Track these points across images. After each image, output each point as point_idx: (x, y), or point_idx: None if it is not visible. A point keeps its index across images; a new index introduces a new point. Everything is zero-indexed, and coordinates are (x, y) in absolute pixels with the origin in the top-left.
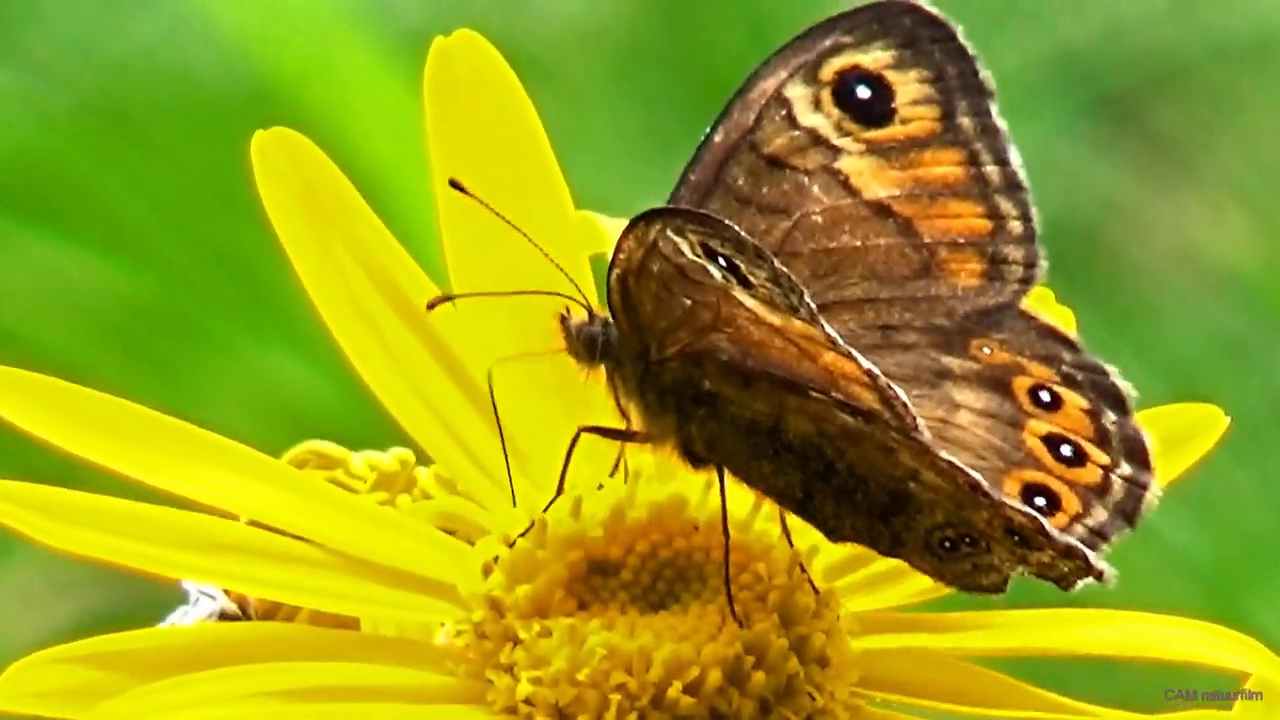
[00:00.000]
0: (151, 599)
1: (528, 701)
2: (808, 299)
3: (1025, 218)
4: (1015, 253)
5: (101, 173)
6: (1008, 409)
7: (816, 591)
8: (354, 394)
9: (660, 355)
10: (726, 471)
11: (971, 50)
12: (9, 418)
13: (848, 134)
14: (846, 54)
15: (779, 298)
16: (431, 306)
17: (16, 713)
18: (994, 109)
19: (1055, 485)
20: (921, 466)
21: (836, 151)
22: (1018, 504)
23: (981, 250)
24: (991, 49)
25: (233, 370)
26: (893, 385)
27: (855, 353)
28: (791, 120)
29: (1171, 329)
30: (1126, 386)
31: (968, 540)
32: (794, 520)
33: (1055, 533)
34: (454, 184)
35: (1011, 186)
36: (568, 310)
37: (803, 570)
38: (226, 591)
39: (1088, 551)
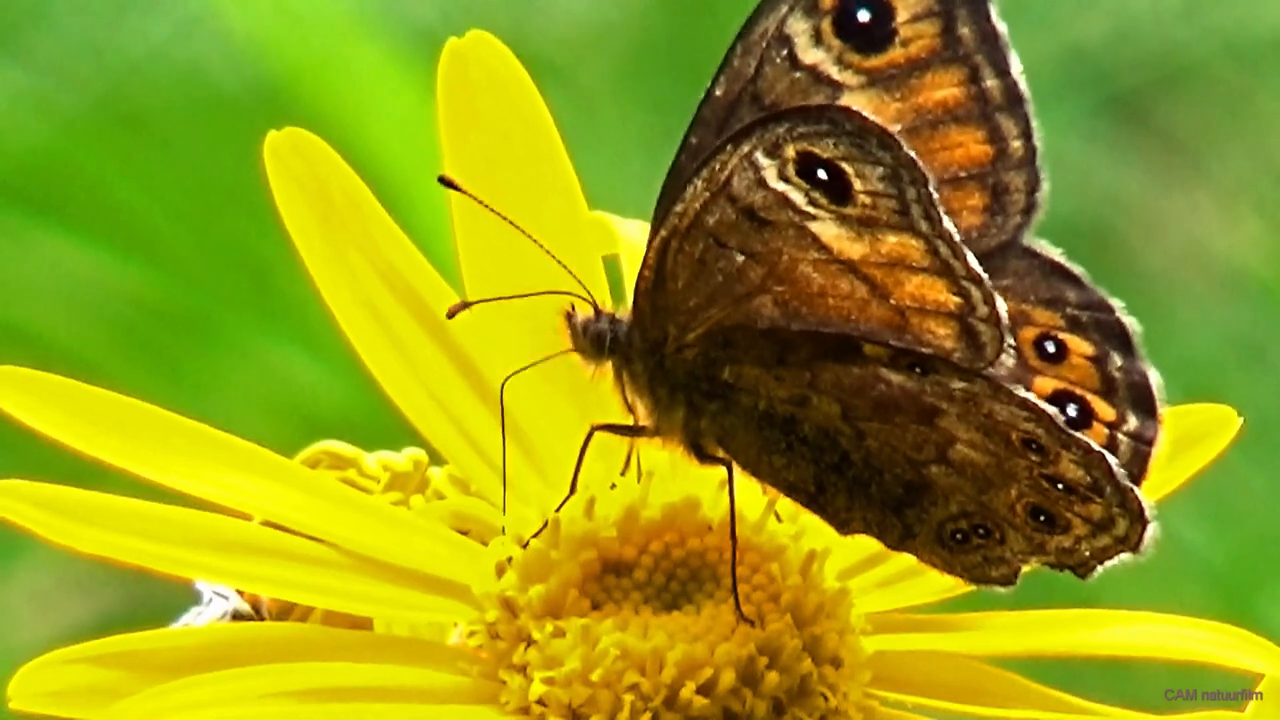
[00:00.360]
0: (164, 599)
1: (541, 702)
2: (932, 188)
3: (1026, 135)
4: (1017, 179)
5: (114, 172)
6: (1013, 365)
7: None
8: (367, 394)
9: (679, 342)
10: (736, 466)
11: None
12: (22, 417)
13: (848, 66)
14: None
15: (887, 202)
16: (451, 315)
17: (31, 712)
18: (993, 12)
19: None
20: (970, 429)
21: (838, 87)
22: (1089, 440)
23: (983, 182)
24: None
25: (245, 369)
26: (996, 301)
27: (969, 254)
28: (793, 60)
29: (1182, 329)
30: (1132, 323)
31: (981, 531)
32: (808, 519)
33: (1121, 477)
34: (444, 180)
35: (1013, 101)
36: (573, 307)
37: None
38: (240, 592)
39: (1145, 502)
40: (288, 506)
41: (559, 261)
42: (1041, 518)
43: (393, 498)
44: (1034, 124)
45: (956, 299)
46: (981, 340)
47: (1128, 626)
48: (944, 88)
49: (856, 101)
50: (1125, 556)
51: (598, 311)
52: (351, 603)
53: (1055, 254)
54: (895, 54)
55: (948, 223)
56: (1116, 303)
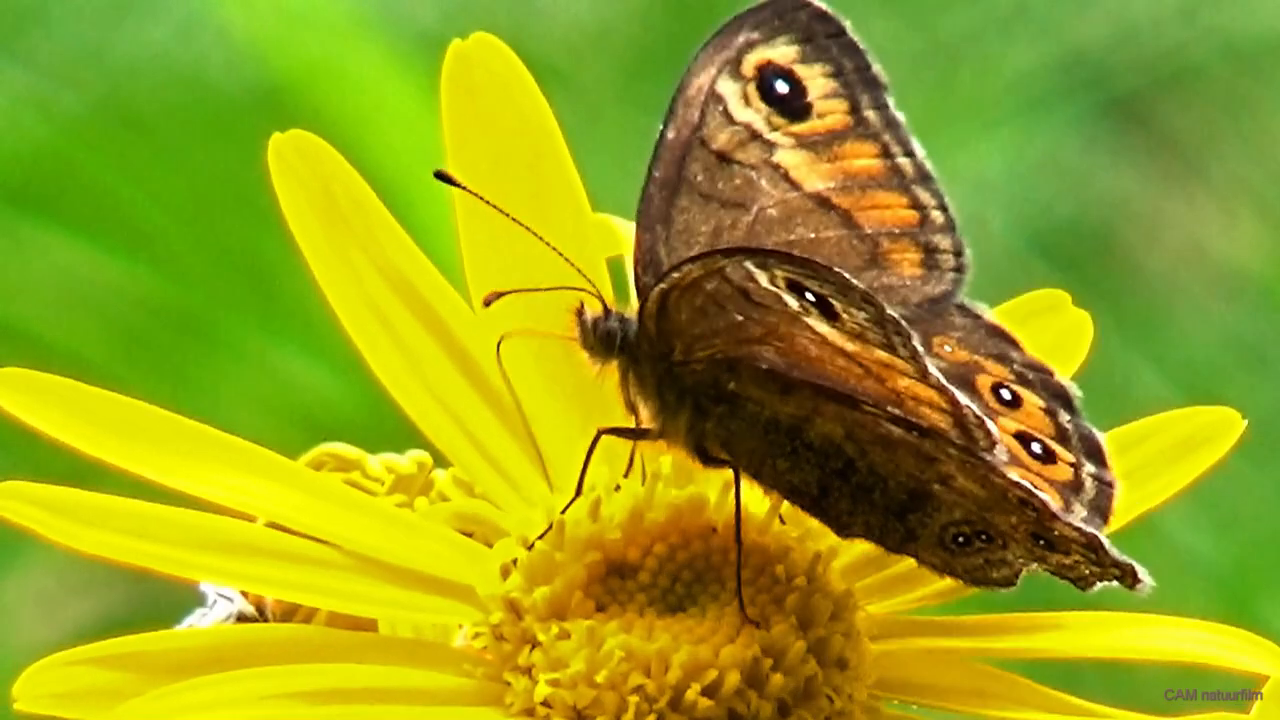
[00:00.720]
0: (170, 600)
1: (545, 704)
2: (915, 343)
3: (943, 207)
4: (943, 242)
5: (114, 173)
6: (978, 407)
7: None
8: (370, 395)
9: (686, 357)
10: (740, 468)
11: (862, 44)
12: (23, 417)
13: (777, 128)
14: (759, 49)
15: (874, 335)
16: (487, 304)
17: (35, 714)
18: (891, 101)
19: (1039, 484)
20: (969, 479)
21: (772, 146)
22: (1082, 525)
23: (915, 240)
24: (1003, 51)
25: (247, 370)
26: (983, 418)
27: (955, 392)
28: (729, 116)
29: (1183, 331)
30: (1072, 387)
31: (983, 536)
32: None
33: (1113, 550)
34: (440, 175)
35: (923, 177)
36: (582, 304)
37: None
38: (244, 593)
39: (1137, 566)
40: (291, 508)
41: (565, 258)
42: (1041, 542)
43: (397, 500)
44: (947, 199)
45: (947, 413)
46: (974, 435)
47: (1130, 629)
48: (863, 158)
49: (788, 158)
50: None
51: (607, 310)
52: (356, 604)
53: (994, 318)
54: (815, 124)
55: (929, 364)
56: (1053, 367)
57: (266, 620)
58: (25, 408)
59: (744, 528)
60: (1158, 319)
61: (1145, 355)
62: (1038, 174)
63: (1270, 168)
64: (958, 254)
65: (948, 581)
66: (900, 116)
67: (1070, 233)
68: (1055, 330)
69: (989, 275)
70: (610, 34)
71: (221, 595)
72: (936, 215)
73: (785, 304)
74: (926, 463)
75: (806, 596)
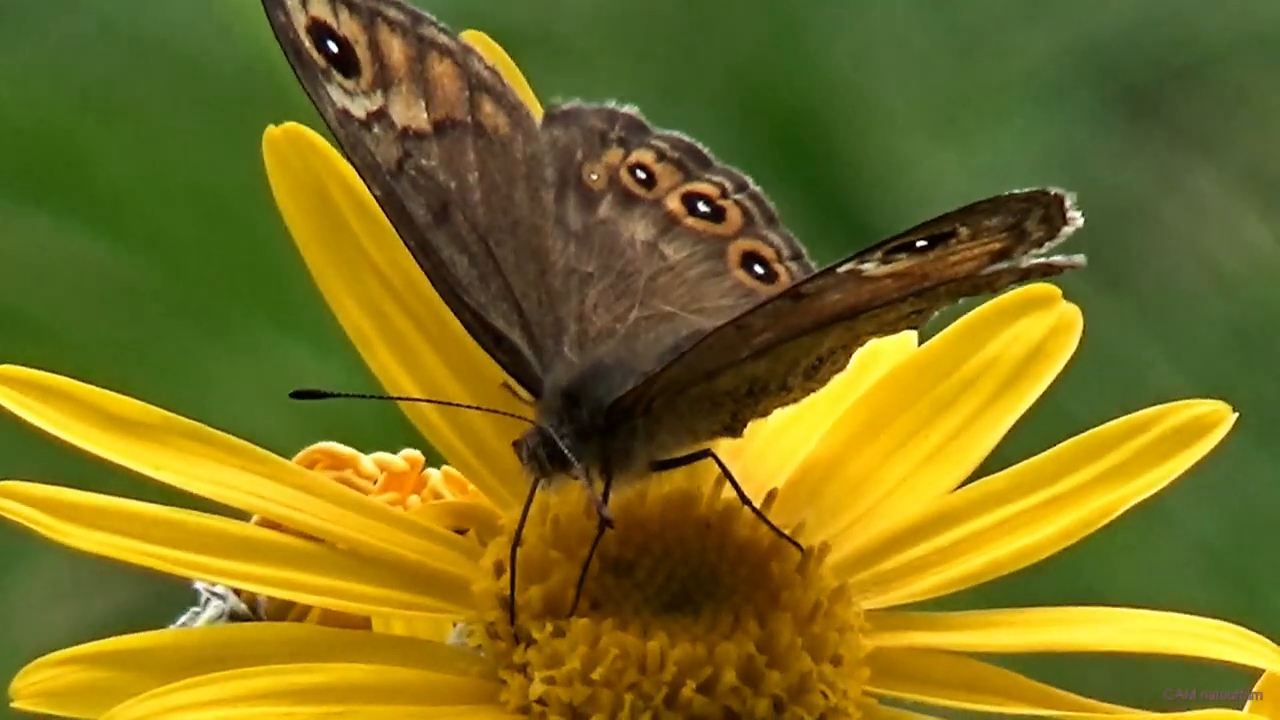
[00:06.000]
0: (183, 593)
1: (541, 701)
2: None
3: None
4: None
5: (120, 155)
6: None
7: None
8: (370, 386)
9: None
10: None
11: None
12: (25, 416)
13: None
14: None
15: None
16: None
17: (33, 711)
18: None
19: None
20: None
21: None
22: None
23: None
24: (1019, 42)
25: (250, 362)
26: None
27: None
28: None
29: (1192, 321)
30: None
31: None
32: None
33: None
34: (299, 394)
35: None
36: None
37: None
38: (237, 592)
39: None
40: (285, 505)
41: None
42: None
43: (390, 498)
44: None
45: None
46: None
47: (1125, 623)
48: None
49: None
50: None
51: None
52: (349, 602)
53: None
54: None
55: None
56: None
57: (260, 619)
58: (25, 406)
59: (734, 525)
60: (1167, 308)
61: (1156, 343)
62: (1051, 161)
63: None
64: None
65: (942, 578)
66: None
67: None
68: (1045, 326)
69: None
70: (621, 20)
71: (214, 594)
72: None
73: None
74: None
75: (800, 593)
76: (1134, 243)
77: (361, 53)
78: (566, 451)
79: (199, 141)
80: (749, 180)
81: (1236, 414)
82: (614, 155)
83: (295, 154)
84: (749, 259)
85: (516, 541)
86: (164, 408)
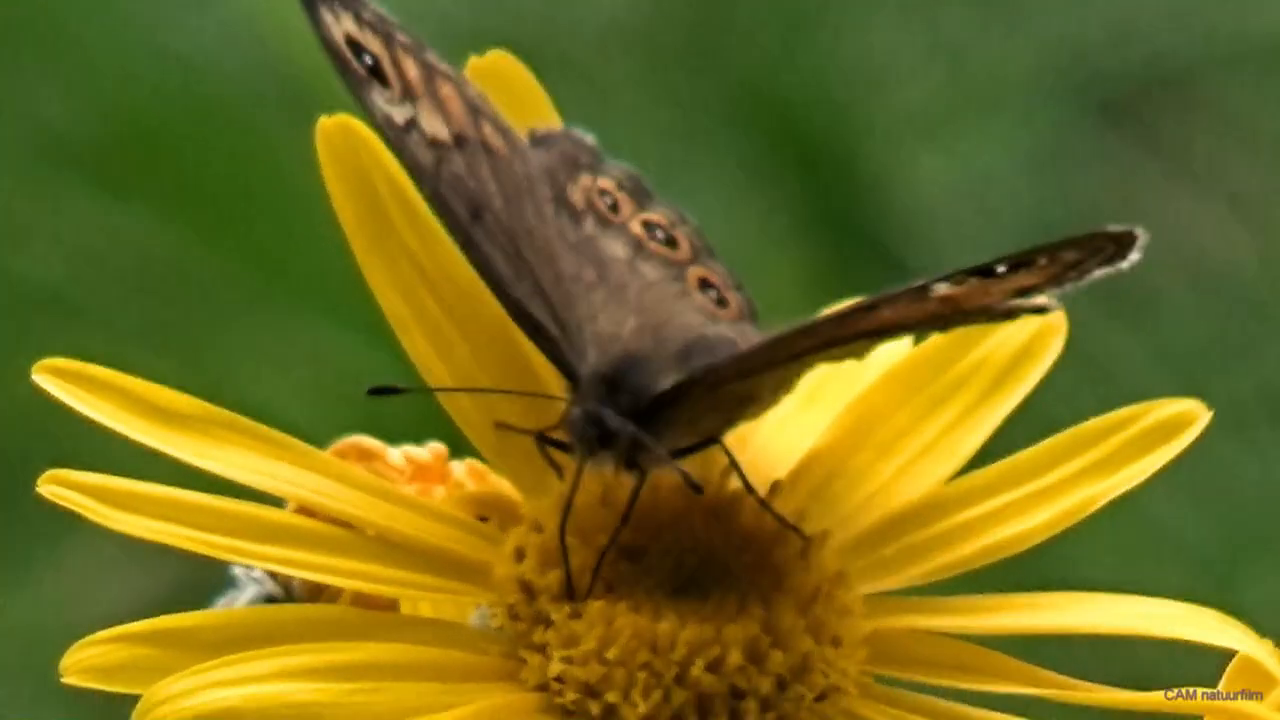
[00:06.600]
0: (223, 576)
1: (559, 679)
2: None
3: None
4: None
5: (167, 150)
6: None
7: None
8: (407, 377)
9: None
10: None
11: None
12: (80, 406)
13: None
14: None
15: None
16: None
17: (82, 686)
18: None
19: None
20: None
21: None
22: None
23: None
24: (1001, 55)
25: (294, 352)
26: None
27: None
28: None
29: (1172, 324)
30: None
31: None
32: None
33: None
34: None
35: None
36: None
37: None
38: (272, 575)
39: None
40: (319, 493)
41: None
42: None
43: (416, 488)
44: None
45: None
46: None
47: (1109, 608)
48: None
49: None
50: None
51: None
52: (378, 585)
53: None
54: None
55: None
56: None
57: (294, 600)
58: (78, 397)
59: (740, 514)
60: (1147, 312)
61: (1135, 343)
62: (1032, 168)
63: (1257, 170)
64: None
65: (935, 564)
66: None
67: (1062, 225)
68: (1031, 329)
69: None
70: (633, 33)
71: (250, 578)
72: None
73: None
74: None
75: (802, 578)
76: None
77: (388, 68)
78: (617, 428)
79: (239, 146)
80: (688, 214)
81: (1211, 412)
82: (586, 179)
83: (344, 142)
84: (704, 284)
85: (566, 511)
86: (203, 392)
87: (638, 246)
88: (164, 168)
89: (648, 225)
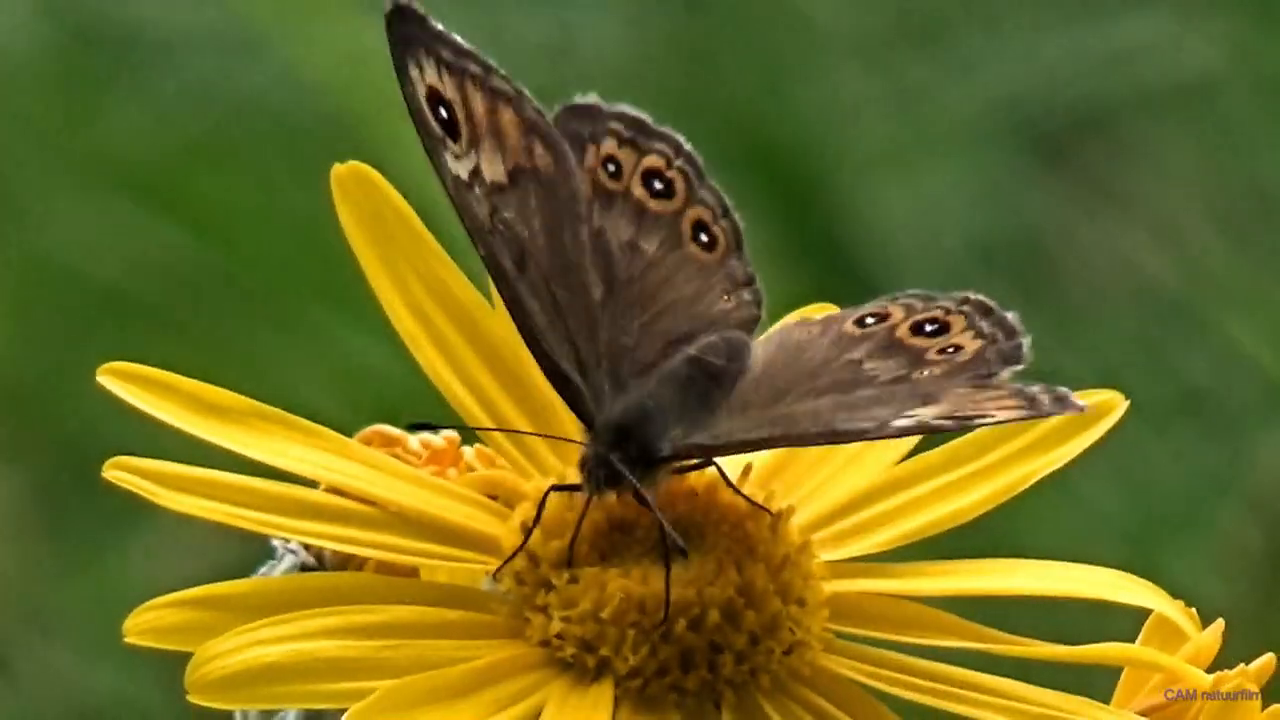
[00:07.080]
0: (264, 549)
1: (559, 636)
2: None
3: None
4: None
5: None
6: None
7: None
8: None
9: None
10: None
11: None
12: (140, 405)
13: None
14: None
15: None
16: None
17: (142, 645)
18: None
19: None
20: None
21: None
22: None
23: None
24: (952, 99)
25: (323, 352)
26: None
27: None
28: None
29: (1100, 330)
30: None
31: None
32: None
33: None
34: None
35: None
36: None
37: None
38: (306, 547)
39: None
40: (347, 475)
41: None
42: None
43: (432, 470)
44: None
45: None
46: None
47: (1044, 573)
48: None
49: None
50: None
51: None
52: (400, 555)
53: None
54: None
55: None
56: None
57: (325, 569)
58: (139, 397)
59: (717, 493)
60: (1078, 319)
61: (1068, 348)
62: (980, 199)
63: (1172, 198)
64: None
65: (888, 535)
66: None
67: (1007, 249)
68: None
69: (941, 282)
70: (623, 75)
71: (288, 549)
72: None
73: None
74: None
75: (772, 547)
76: (1049, 266)
77: (459, 113)
78: (624, 474)
79: (281, 175)
80: (682, 139)
81: (1128, 401)
82: (590, 156)
83: (357, 186)
84: (698, 228)
85: (577, 528)
86: (244, 388)
87: (638, 215)
88: (212, 190)
89: (646, 177)
